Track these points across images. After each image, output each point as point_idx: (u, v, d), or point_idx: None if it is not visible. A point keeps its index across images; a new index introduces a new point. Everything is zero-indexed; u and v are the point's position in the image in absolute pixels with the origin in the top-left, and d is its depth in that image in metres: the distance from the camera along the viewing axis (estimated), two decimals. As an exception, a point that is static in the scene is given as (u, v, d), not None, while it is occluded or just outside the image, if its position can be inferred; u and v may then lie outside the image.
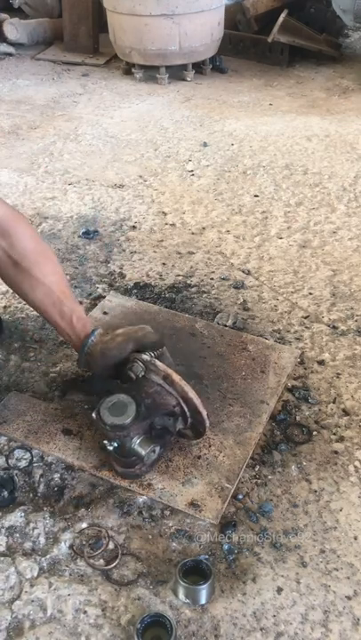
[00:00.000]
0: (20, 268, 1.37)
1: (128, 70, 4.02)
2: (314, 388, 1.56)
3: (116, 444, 1.23)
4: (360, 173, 2.66)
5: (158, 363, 1.28)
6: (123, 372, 1.32)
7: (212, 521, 1.22)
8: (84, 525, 1.23)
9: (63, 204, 2.44)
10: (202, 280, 1.98)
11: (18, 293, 1.46)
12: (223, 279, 1.98)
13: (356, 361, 1.65)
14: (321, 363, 1.64)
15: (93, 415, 1.26)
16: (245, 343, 1.65)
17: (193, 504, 1.25)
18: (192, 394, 1.26)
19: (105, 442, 1.24)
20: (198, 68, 3.98)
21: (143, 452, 1.23)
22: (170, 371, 1.26)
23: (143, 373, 1.28)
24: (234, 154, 2.88)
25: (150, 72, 3.91)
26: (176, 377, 1.26)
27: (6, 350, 1.69)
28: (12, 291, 1.91)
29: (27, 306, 1.85)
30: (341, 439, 1.43)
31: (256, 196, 2.50)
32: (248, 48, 4.25)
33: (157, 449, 1.27)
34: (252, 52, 4.22)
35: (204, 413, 1.28)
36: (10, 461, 1.36)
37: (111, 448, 1.23)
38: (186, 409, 1.27)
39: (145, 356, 1.29)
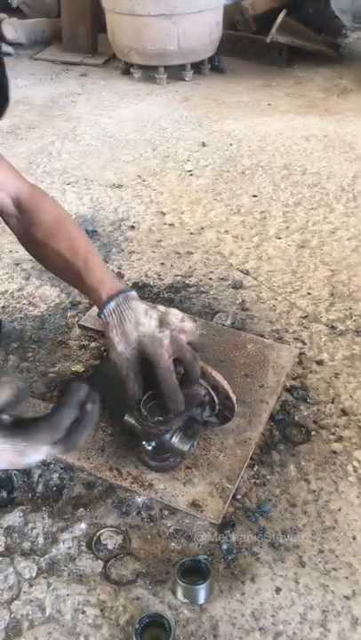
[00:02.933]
0: (38, 240, 1.37)
1: (127, 70, 4.02)
2: (312, 388, 1.56)
3: (154, 444, 1.24)
4: (359, 173, 2.66)
5: None
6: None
7: (214, 521, 1.22)
8: (83, 525, 1.23)
9: (62, 204, 2.42)
10: (200, 280, 1.98)
11: (42, 265, 1.47)
12: (222, 279, 1.98)
13: (354, 361, 1.65)
14: (320, 363, 1.64)
15: (126, 419, 1.26)
16: (244, 342, 1.65)
17: (194, 504, 1.25)
18: (223, 382, 1.28)
19: (143, 442, 1.25)
20: (197, 68, 3.98)
21: (186, 449, 1.24)
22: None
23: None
24: (232, 154, 2.88)
25: (149, 72, 3.91)
26: (206, 368, 1.27)
27: (5, 350, 1.69)
28: (10, 290, 1.92)
29: (25, 306, 1.86)
30: (340, 439, 1.43)
31: (255, 196, 2.50)
32: (247, 48, 4.25)
33: (195, 443, 1.28)
34: (251, 52, 4.22)
35: (235, 399, 1.30)
36: (8, 461, 1.36)
37: (150, 448, 1.24)
38: (215, 397, 1.29)
39: None
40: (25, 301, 1.88)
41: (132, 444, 1.34)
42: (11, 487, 1.30)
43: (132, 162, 2.82)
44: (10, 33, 4.39)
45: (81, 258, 1.30)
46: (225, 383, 1.28)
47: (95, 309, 1.78)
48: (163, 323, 1.21)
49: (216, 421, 1.36)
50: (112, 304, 1.23)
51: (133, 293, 1.27)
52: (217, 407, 1.31)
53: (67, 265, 1.32)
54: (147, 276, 2.00)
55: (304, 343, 1.71)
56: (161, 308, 1.25)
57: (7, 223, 1.44)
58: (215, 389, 1.28)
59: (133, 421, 1.26)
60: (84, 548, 1.20)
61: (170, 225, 2.30)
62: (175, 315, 1.23)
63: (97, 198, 2.49)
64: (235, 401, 1.30)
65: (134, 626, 1.04)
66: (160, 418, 1.22)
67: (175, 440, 1.24)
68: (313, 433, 1.44)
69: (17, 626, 1.08)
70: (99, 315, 1.27)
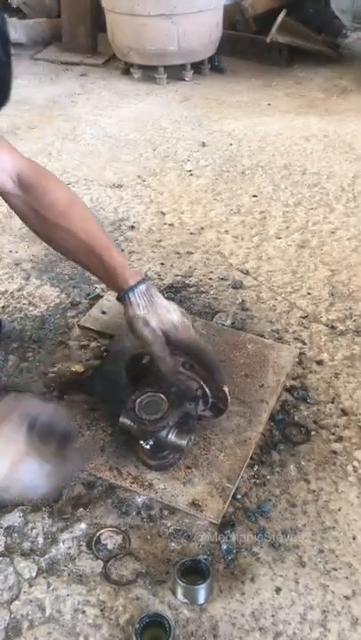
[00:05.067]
0: (48, 221, 1.34)
1: (127, 70, 4.02)
2: (312, 388, 1.56)
3: (152, 442, 1.24)
4: (358, 173, 2.66)
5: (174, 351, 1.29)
6: (137, 367, 1.34)
7: (214, 521, 1.22)
8: (83, 525, 1.23)
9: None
10: (200, 280, 1.98)
11: (51, 246, 1.45)
12: (222, 279, 1.98)
13: (354, 361, 1.65)
14: (319, 363, 1.64)
15: (122, 420, 1.26)
16: (244, 342, 1.65)
17: (194, 504, 1.25)
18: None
19: (141, 442, 1.25)
20: (197, 68, 3.98)
21: (184, 443, 1.24)
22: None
23: None
24: (232, 154, 2.88)
25: (149, 72, 3.90)
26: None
27: (4, 350, 1.69)
28: (10, 290, 1.92)
29: (25, 305, 1.86)
30: (340, 439, 1.43)
31: (255, 196, 2.50)
32: (247, 48, 4.25)
33: (193, 437, 1.29)
34: (251, 52, 4.22)
35: (227, 390, 1.30)
36: (8, 461, 1.36)
37: (148, 447, 1.25)
38: (208, 390, 1.29)
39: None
40: (25, 301, 1.88)
41: (131, 444, 1.34)
42: (11, 487, 1.30)
43: (131, 162, 2.81)
44: (10, 33, 4.38)
45: (99, 240, 1.31)
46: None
47: (94, 309, 1.78)
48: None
49: (210, 414, 1.37)
50: (143, 286, 1.26)
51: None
52: (210, 400, 1.31)
53: (82, 246, 1.31)
54: (147, 275, 2.00)
55: (304, 343, 1.71)
56: None
57: (8, 202, 1.40)
58: (206, 381, 1.29)
59: (129, 422, 1.26)
60: (83, 548, 1.20)
61: (170, 225, 2.30)
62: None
63: (97, 198, 2.49)
64: (227, 392, 1.31)
65: (134, 626, 1.04)
66: (156, 416, 1.22)
67: (172, 436, 1.24)
68: (313, 433, 1.44)
69: (17, 626, 1.08)
70: (124, 295, 1.26)
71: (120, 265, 1.28)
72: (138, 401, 1.25)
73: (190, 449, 1.32)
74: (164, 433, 1.23)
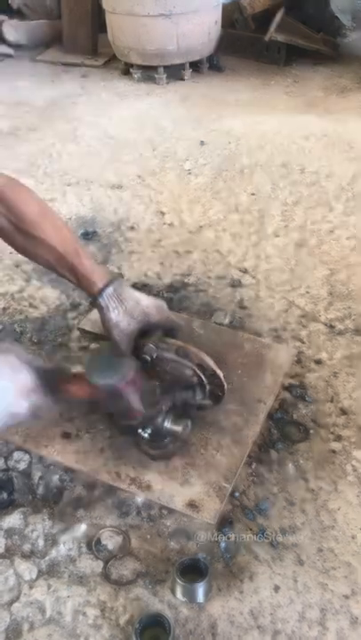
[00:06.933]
0: (22, 231, 1.36)
1: (126, 70, 4.03)
2: (311, 387, 1.57)
3: (150, 430, 1.27)
4: (358, 172, 2.66)
5: (168, 339, 1.31)
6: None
7: (210, 521, 1.23)
8: (83, 526, 1.24)
9: (62, 205, 2.45)
10: (199, 279, 1.98)
11: (26, 257, 1.45)
12: (220, 278, 1.98)
13: (353, 360, 1.65)
14: (318, 362, 1.65)
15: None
16: (242, 342, 1.66)
17: (191, 505, 1.25)
18: (207, 359, 1.30)
19: (140, 431, 1.28)
20: (196, 67, 3.98)
21: (180, 429, 1.27)
22: (180, 343, 1.30)
23: (156, 354, 1.30)
24: (231, 153, 2.88)
25: (148, 72, 3.91)
26: (189, 347, 1.30)
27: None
28: (11, 291, 1.93)
29: (26, 307, 1.87)
30: (339, 438, 1.43)
31: (253, 194, 2.50)
32: (245, 47, 4.25)
33: (189, 423, 1.31)
34: (250, 50, 4.21)
35: (221, 375, 1.31)
36: (9, 463, 1.37)
37: (146, 435, 1.28)
38: (203, 376, 1.30)
39: (153, 337, 1.32)
40: (25, 303, 1.89)
41: (131, 444, 1.35)
42: (11, 489, 1.31)
43: (131, 162, 2.82)
44: (11, 34, 4.40)
45: (71, 248, 1.33)
46: (208, 359, 1.29)
47: (95, 312, 1.79)
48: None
49: (210, 403, 1.37)
50: (110, 289, 1.28)
51: (123, 280, 1.33)
52: (207, 386, 1.32)
53: (57, 256, 1.34)
54: (146, 275, 2.00)
55: (303, 342, 1.71)
56: None
57: None
58: (200, 368, 1.29)
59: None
60: (84, 549, 1.21)
61: (169, 224, 2.30)
62: None
63: (97, 199, 2.50)
64: (222, 377, 1.31)
65: (134, 626, 1.05)
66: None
67: (168, 423, 1.27)
68: (312, 432, 1.44)
69: (17, 628, 1.09)
70: (94, 300, 1.29)
71: (88, 271, 1.31)
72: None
73: (189, 436, 1.34)
74: (159, 420, 1.26)
